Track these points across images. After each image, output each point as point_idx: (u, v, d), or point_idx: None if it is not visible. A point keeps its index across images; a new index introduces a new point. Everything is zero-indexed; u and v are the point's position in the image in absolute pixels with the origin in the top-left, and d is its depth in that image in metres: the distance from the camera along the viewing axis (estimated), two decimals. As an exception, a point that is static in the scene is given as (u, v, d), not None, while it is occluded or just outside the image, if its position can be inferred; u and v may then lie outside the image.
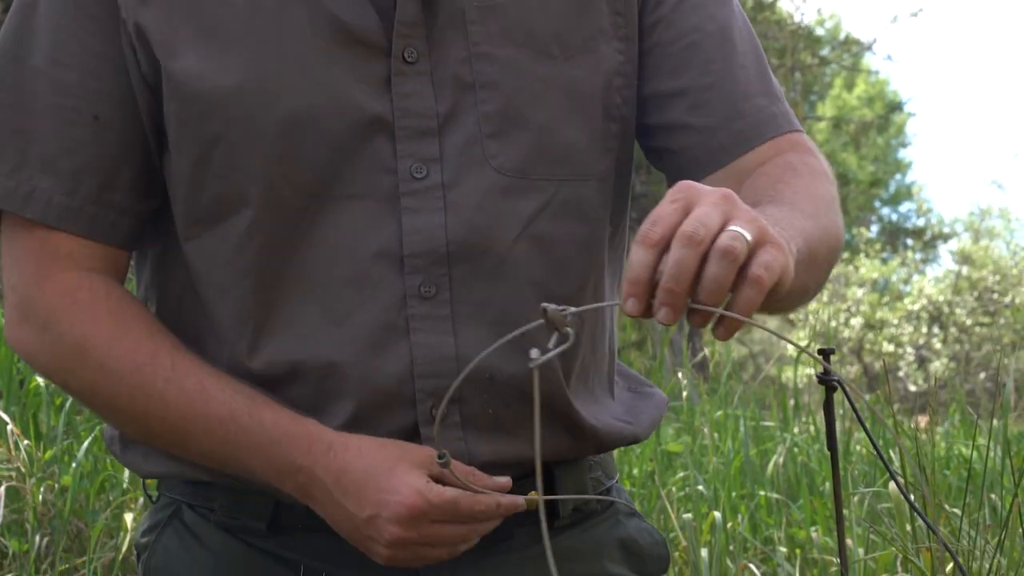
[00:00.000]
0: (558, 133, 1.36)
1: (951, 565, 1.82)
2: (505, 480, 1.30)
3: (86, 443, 2.59)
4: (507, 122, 1.34)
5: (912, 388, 14.99)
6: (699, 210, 1.03)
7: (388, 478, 1.25)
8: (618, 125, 1.41)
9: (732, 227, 1.03)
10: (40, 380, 2.83)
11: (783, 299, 1.15)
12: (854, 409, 1.21)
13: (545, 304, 1.06)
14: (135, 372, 1.32)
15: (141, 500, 2.53)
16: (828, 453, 1.24)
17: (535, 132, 1.35)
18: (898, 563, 2.11)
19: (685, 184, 1.07)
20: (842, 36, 16.88)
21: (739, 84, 1.42)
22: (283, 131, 1.30)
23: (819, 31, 18.42)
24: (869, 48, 14.46)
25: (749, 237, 1.03)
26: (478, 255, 1.33)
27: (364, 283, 1.31)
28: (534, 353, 1.04)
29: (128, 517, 2.44)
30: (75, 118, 1.34)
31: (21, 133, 1.34)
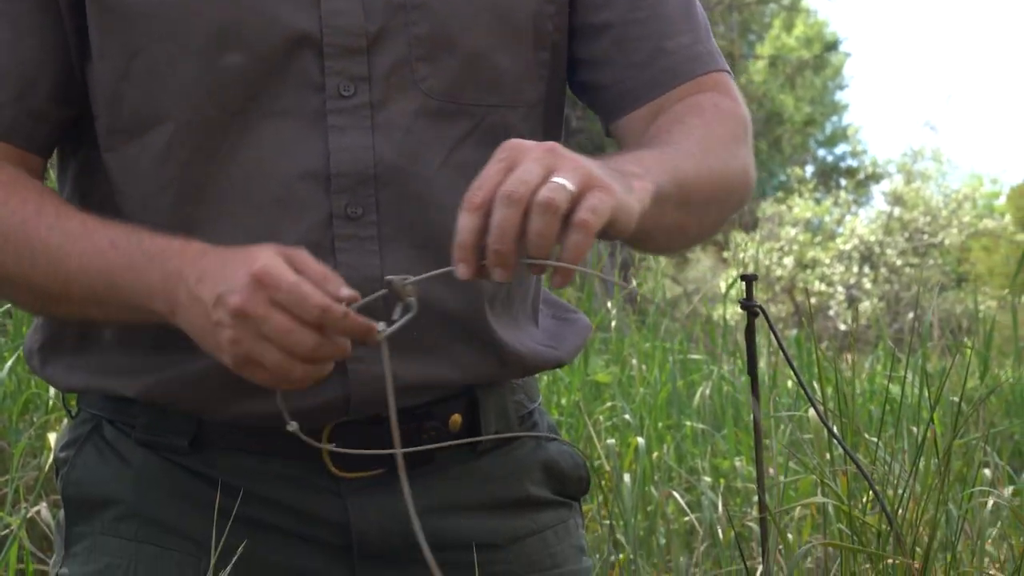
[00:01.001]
0: (488, 58, 1.35)
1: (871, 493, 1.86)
2: (352, 292, 1.17)
3: (9, 362, 2.57)
4: (437, 45, 1.33)
5: (842, 327, 15.17)
6: (520, 168, 1.07)
7: (243, 255, 1.18)
8: (549, 53, 1.41)
9: (553, 179, 1.06)
10: (-38, 299, 2.79)
11: (651, 237, 1.16)
12: (775, 334, 1.22)
13: (389, 277, 1.11)
14: (20, 226, 1.28)
15: (66, 421, 2.52)
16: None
17: (465, 56, 1.34)
18: (818, 490, 2.15)
19: (510, 143, 1.11)
20: (782, -25, 16.88)
21: (665, 21, 1.42)
22: (208, 46, 1.27)
23: (759, -30, 18.41)
24: (808, -13, 14.47)
25: (571, 186, 1.06)
26: (405, 178, 1.32)
27: (290, 202, 1.29)
28: (380, 326, 1.10)
29: (52, 437, 2.42)
30: None
31: None
